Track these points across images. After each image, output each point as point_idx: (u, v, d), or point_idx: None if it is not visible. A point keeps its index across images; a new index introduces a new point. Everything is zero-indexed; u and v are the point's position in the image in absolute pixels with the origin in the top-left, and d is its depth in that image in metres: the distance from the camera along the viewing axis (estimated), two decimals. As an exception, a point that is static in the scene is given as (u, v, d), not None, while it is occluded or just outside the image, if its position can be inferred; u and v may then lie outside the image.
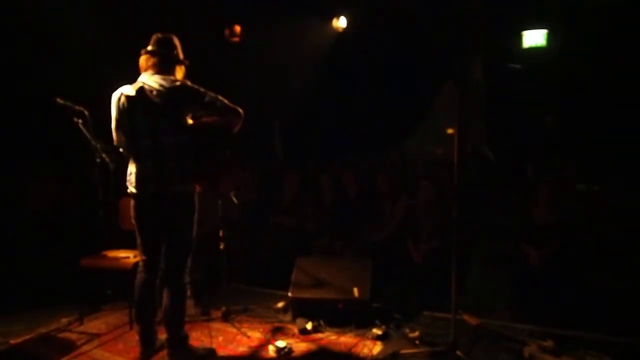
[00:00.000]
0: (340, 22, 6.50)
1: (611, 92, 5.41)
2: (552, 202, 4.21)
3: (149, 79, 2.88)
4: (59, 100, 3.27)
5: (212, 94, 2.90)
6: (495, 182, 5.48)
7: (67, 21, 4.72)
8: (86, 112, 3.37)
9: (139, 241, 3.07)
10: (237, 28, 6.19)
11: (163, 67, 2.93)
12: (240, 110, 2.96)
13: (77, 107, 3.34)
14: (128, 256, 3.75)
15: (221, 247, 3.77)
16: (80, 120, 3.34)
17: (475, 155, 5.88)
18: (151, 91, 2.84)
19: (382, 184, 5.02)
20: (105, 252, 3.90)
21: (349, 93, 6.83)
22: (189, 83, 2.93)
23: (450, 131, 3.27)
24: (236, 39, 6.23)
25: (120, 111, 2.91)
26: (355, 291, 3.73)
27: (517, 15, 6.02)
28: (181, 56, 3.04)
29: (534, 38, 6.07)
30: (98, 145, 3.44)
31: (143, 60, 2.97)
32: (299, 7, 6.01)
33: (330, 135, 6.96)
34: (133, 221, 3.03)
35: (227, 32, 6.21)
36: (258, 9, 5.99)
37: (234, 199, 3.88)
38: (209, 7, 5.71)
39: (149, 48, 2.97)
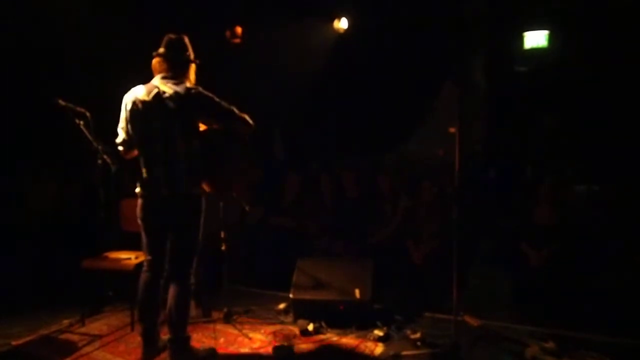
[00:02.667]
0: (342, 24, 6.50)
1: (612, 93, 5.41)
2: (553, 203, 4.22)
3: (163, 85, 2.88)
4: (61, 102, 3.27)
5: (226, 105, 2.93)
6: (496, 183, 5.49)
7: (69, 22, 4.73)
8: (87, 114, 3.37)
9: (144, 241, 3.07)
10: (239, 29, 6.19)
11: (176, 70, 2.95)
12: (251, 122, 3.00)
13: (78, 109, 3.34)
14: (129, 257, 3.75)
15: (222, 248, 3.77)
16: (81, 122, 3.35)
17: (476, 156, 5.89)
18: (166, 97, 2.84)
19: (382, 185, 5.02)
20: (106, 254, 3.90)
21: (350, 94, 6.83)
22: (202, 90, 2.92)
23: (452, 130, 3.26)
24: (237, 41, 6.23)
25: (132, 114, 2.91)
26: (357, 292, 3.73)
27: (518, 16, 6.02)
28: (192, 56, 3.05)
29: (536, 39, 6.07)
30: (99, 147, 3.43)
31: (156, 63, 2.98)
32: (300, 9, 6.01)
33: (331, 136, 6.96)
34: (139, 221, 3.02)
35: (228, 33, 6.21)
36: (259, 11, 5.99)
37: (247, 207, 3.89)
38: (210, 8, 5.71)
39: (161, 51, 2.96)
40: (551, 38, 5.99)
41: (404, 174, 5.64)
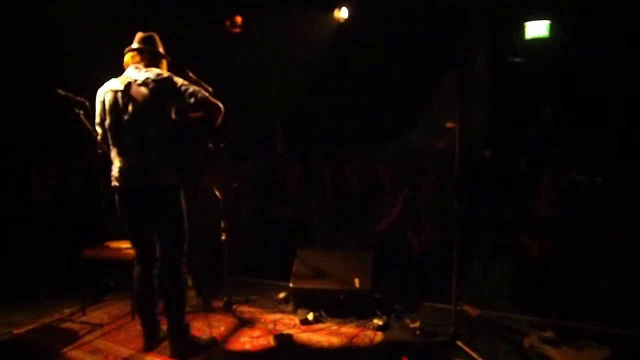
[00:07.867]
0: (342, 13, 6.47)
1: (614, 83, 5.38)
2: (554, 194, 4.21)
3: (136, 73, 2.93)
4: (60, 91, 3.26)
5: (195, 87, 2.92)
6: (496, 174, 5.48)
7: (67, 12, 4.71)
8: (87, 103, 3.37)
9: (128, 235, 3.10)
10: (238, 19, 6.16)
11: (149, 62, 3.00)
12: (221, 105, 2.96)
13: (78, 98, 3.33)
14: (130, 247, 3.75)
15: (223, 238, 3.78)
16: (81, 112, 3.33)
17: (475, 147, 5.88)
18: (138, 84, 2.87)
19: (383, 175, 5.02)
20: (107, 243, 3.92)
21: (351, 84, 6.81)
22: (173, 76, 2.95)
23: (449, 125, 3.25)
24: (237, 30, 6.21)
25: (105, 107, 2.96)
26: (356, 282, 3.74)
27: (519, 6, 5.98)
28: (163, 52, 3.10)
29: (537, 29, 6.04)
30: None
31: (128, 57, 3.03)
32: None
33: (332, 127, 6.95)
34: (119, 215, 3.04)
35: (228, 23, 6.19)
36: (259, 0, 5.97)
37: (218, 193, 3.87)
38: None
39: (135, 46, 3.02)
40: (552, 28, 5.95)
41: (404, 164, 5.64)
